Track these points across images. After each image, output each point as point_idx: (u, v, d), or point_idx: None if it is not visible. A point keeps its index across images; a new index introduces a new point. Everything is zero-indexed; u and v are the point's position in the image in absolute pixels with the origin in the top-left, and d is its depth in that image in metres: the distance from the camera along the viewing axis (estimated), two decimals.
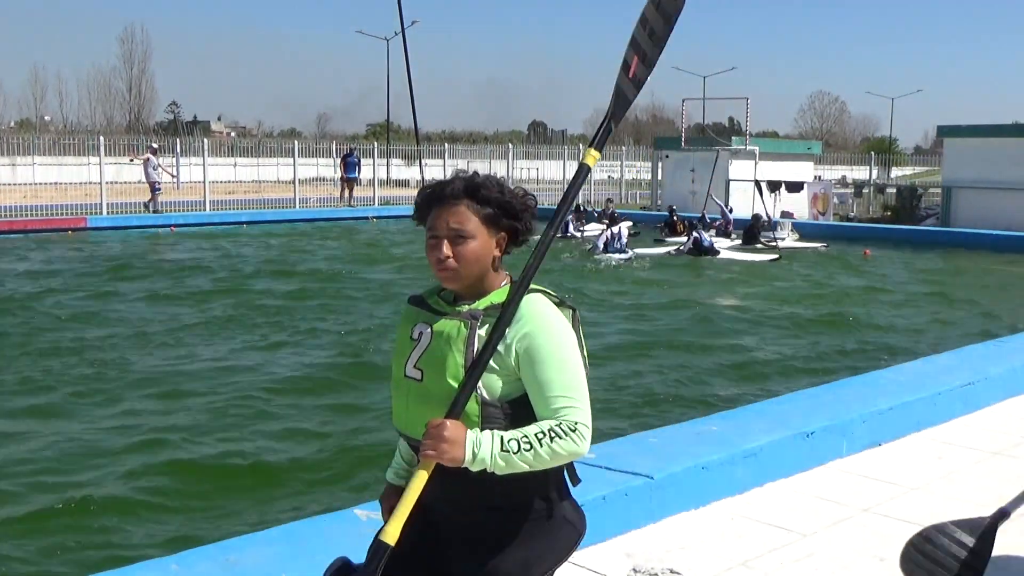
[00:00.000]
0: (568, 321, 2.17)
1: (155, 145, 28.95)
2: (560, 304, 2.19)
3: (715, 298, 14.52)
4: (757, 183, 24.75)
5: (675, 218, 23.87)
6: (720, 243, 20.76)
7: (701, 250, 19.46)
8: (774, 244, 21.30)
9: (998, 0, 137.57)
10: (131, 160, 30.29)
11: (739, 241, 21.83)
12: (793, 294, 14.82)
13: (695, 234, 19.79)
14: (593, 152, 2.28)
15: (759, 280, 16.45)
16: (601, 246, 19.49)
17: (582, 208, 24.01)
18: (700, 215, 23.31)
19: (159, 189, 26.83)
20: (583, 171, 2.28)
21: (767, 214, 23.06)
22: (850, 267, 18.60)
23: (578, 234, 22.59)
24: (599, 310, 12.92)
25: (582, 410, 2.09)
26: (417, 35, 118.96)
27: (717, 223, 22.87)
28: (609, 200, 26.41)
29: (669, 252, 20.13)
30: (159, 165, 27.28)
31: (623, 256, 19.00)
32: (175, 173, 28.02)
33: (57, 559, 5.04)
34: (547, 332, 2.10)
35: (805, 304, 13.80)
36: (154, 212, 26.34)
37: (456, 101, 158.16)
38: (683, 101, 31.82)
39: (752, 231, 21.83)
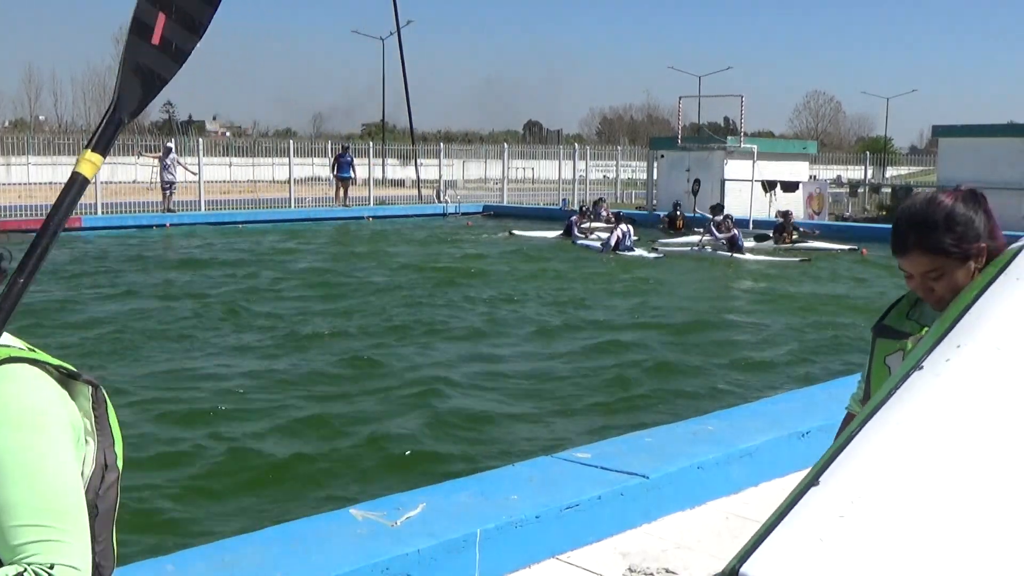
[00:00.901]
0: (59, 400, 1.41)
1: (170, 144, 28.89)
2: (70, 377, 1.44)
3: (723, 297, 14.54)
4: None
5: (678, 213, 23.90)
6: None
7: (734, 248, 19.62)
8: (793, 243, 21.32)
9: (993, 0, 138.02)
10: (138, 156, 30.14)
11: (770, 241, 21.88)
12: (794, 294, 14.84)
13: (733, 230, 19.93)
14: (90, 155, 1.53)
15: (775, 280, 16.47)
16: (612, 245, 19.70)
17: (586, 208, 23.96)
18: (691, 214, 23.37)
19: (173, 188, 26.64)
20: (76, 183, 1.51)
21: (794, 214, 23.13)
22: (846, 267, 18.63)
23: (584, 235, 22.53)
24: (611, 308, 12.96)
25: (66, 543, 1.32)
26: (413, 35, 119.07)
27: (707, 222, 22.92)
28: (601, 200, 26.37)
29: (695, 248, 20.33)
30: (178, 161, 27.15)
31: (654, 254, 19.43)
32: (194, 171, 27.88)
33: None
34: (10, 425, 1.34)
35: (804, 303, 13.82)
36: (167, 211, 26.21)
37: (452, 101, 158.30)
38: (679, 99, 32.05)
39: (782, 229, 21.82)
